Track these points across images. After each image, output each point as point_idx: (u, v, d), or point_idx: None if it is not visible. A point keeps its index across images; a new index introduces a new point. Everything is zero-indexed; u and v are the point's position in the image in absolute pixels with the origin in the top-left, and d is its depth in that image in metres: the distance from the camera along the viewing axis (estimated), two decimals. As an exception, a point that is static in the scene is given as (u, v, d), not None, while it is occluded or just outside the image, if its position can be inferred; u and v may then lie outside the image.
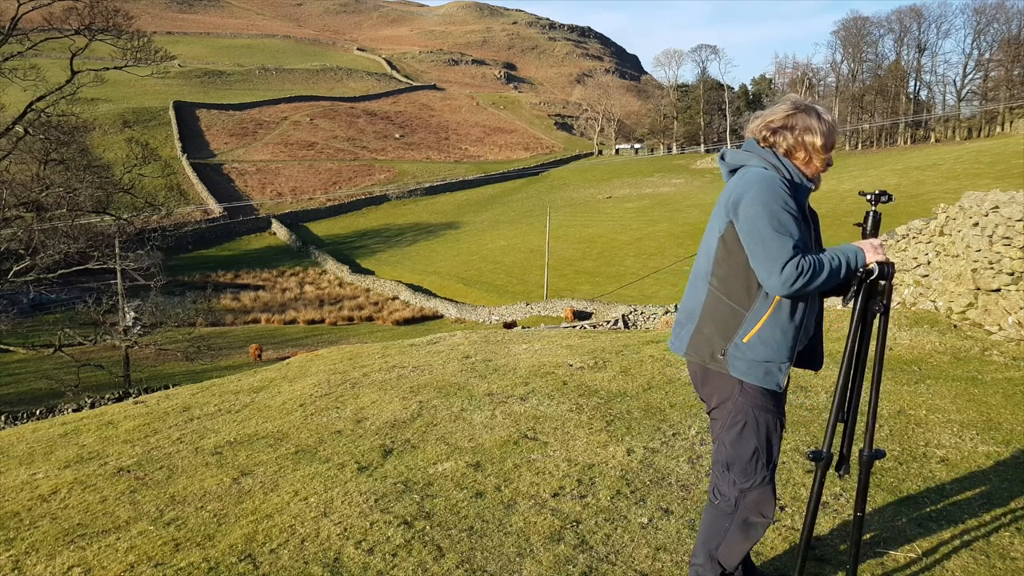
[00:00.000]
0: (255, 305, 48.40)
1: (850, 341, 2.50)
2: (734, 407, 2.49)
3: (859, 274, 2.40)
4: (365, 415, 5.31)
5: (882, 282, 2.42)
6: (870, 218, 2.52)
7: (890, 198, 2.53)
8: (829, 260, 2.35)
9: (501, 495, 3.73)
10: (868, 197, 2.54)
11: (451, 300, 45.77)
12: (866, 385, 2.59)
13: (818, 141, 2.47)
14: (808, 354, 2.59)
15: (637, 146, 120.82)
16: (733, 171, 2.59)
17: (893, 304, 8.50)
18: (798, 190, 2.45)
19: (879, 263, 2.38)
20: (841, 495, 3.62)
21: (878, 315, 2.49)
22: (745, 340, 2.44)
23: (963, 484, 3.70)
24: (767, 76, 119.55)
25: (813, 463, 2.41)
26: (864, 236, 2.52)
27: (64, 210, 27.74)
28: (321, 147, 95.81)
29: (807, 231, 2.43)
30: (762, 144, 2.55)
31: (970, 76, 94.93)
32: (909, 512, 3.42)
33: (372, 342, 10.43)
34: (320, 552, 3.22)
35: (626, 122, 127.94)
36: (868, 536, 3.20)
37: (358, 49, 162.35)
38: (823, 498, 3.55)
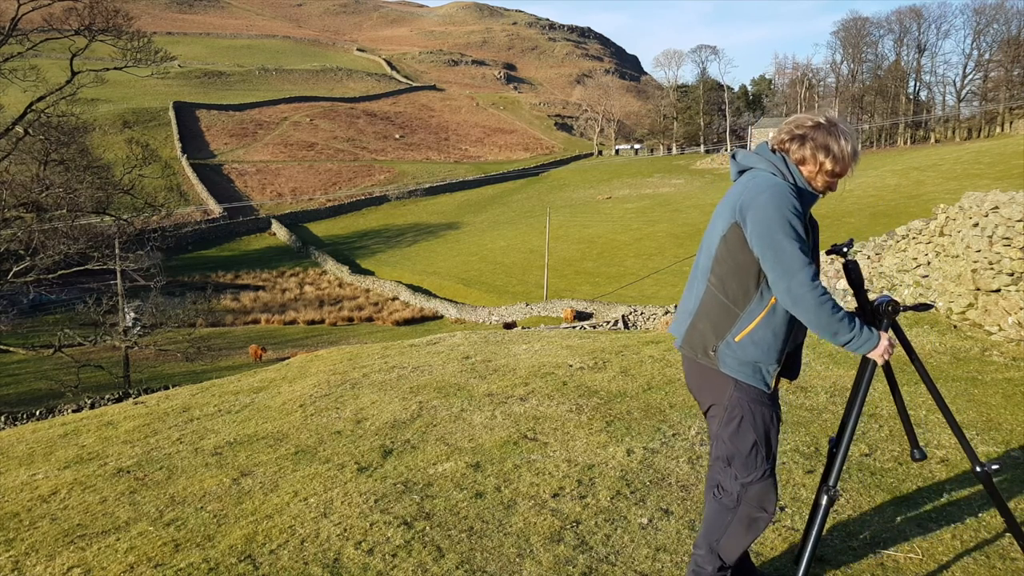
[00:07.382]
0: (255, 305, 48.41)
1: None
2: (730, 403, 2.51)
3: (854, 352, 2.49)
4: (365, 415, 5.31)
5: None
6: (851, 271, 2.58)
7: (851, 243, 2.72)
8: (844, 315, 2.36)
9: (501, 495, 3.73)
10: (843, 249, 2.66)
11: (451, 300, 45.75)
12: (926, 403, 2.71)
13: (828, 164, 2.46)
14: (789, 362, 2.59)
15: (637, 146, 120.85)
16: (742, 172, 2.60)
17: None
18: (803, 196, 2.46)
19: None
20: (840, 495, 3.62)
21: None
22: (737, 339, 2.47)
23: (963, 484, 3.70)
24: (767, 76, 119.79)
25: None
26: (850, 284, 2.61)
27: (64, 211, 27.71)
28: (321, 147, 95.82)
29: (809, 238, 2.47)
30: (776, 148, 2.54)
31: (970, 76, 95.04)
32: (909, 512, 3.42)
33: (372, 342, 10.42)
34: (320, 553, 3.22)
35: (626, 122, 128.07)
36: (868, 536, 3.21)
37: (358, 50, 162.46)
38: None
